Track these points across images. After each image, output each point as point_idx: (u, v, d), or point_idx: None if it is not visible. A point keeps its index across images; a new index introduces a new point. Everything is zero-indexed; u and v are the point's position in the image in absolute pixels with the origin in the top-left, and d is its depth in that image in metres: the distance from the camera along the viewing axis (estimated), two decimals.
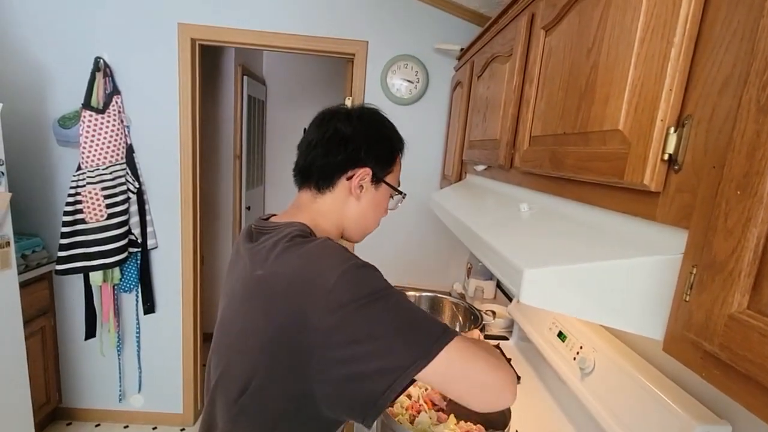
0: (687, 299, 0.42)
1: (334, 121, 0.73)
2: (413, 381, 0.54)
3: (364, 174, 0.72)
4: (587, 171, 0.61)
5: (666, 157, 0.47)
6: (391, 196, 0.80)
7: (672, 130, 0.46)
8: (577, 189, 0.69)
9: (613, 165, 0.55)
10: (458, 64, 1.77)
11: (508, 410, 0.88)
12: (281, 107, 3.68)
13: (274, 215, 0.77)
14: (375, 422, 0.68)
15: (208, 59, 2.59)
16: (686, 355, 0.42)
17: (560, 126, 0.72)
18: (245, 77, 2.93)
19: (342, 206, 0.74)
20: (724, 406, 0.74)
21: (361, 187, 0.74)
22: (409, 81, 1.97)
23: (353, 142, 0.72)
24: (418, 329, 0.55)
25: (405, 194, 0.82)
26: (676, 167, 0.46)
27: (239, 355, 0.62)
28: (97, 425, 2.14)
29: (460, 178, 1.62)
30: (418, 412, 0.94)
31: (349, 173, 0.73)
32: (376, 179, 0.75)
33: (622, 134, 0.54)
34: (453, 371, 0.55)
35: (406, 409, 0.96)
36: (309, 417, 0.60)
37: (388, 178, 0.77)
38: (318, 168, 0.73)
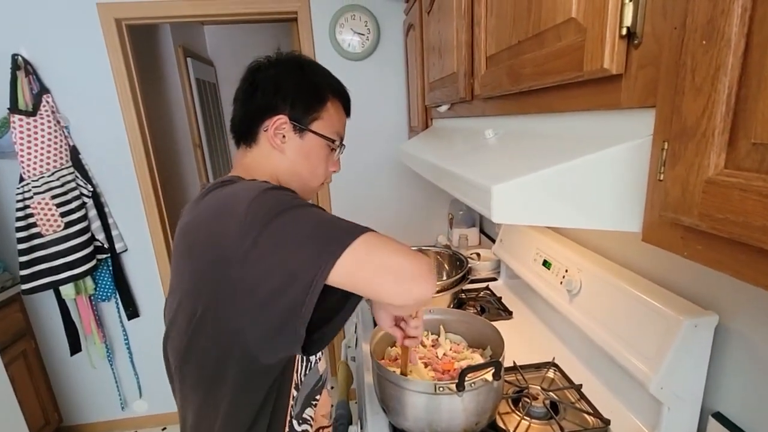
0: (661, 178, 0.39)
1: (251, 71, 0.72)
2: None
3: (278, 122, 0.68)
4: (546, 75, 0.57)
5: (624, 32, 0.42)
6: (332, 149, 0.74)
7: None
8: (538, 99, 0.64)
9: (571, 59, 0.50)
10: (407, 6, 1.67)
11: (502, 342, 0.87)
12: (234, 88, 3.48)
13: None
14: (321, 354, 0.72)
15: (143, 45, 2.39)
16: (666, 239, 0.40)
17: (514, 35, 0.67)
18: (189, 59, 2.74)
19: (268, 161, 0.70)
20: (710, 299, 0.75)
21: (283, 136, 0.69)
22: (360, 33, 1.85)
23: (264, 89, 0.69)
24: (324, 232, 0.53)
25: (341, 143, 0.75)
26: (635, 42, 0.42)
27: (177, 313, 0.61)
28: None
29: (426, 126, 1.56)
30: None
31: (266, 123, 0.69)
32: (299, 127, 0.69)
33: (576, 21, 0.49)
34: (362, 262, 0.52)
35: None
36: (246, 369, 0.58)
37: (315, 126, 0.70)
38: (239, 122, 0.72)
